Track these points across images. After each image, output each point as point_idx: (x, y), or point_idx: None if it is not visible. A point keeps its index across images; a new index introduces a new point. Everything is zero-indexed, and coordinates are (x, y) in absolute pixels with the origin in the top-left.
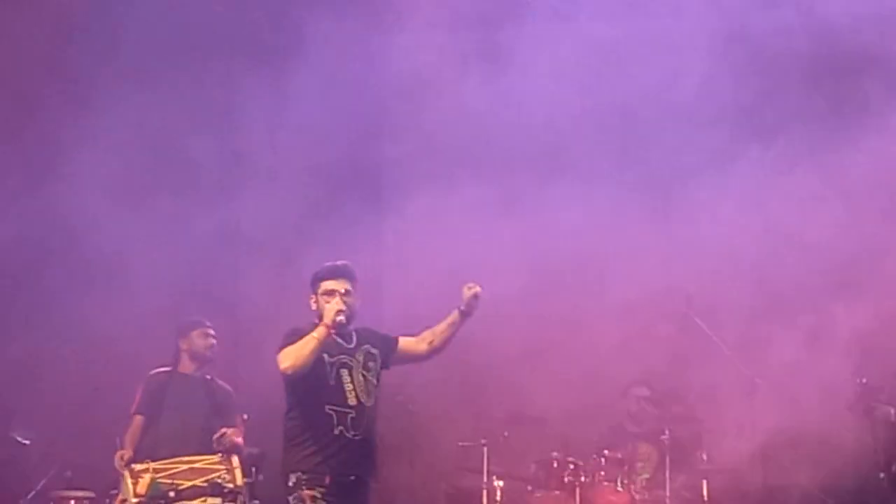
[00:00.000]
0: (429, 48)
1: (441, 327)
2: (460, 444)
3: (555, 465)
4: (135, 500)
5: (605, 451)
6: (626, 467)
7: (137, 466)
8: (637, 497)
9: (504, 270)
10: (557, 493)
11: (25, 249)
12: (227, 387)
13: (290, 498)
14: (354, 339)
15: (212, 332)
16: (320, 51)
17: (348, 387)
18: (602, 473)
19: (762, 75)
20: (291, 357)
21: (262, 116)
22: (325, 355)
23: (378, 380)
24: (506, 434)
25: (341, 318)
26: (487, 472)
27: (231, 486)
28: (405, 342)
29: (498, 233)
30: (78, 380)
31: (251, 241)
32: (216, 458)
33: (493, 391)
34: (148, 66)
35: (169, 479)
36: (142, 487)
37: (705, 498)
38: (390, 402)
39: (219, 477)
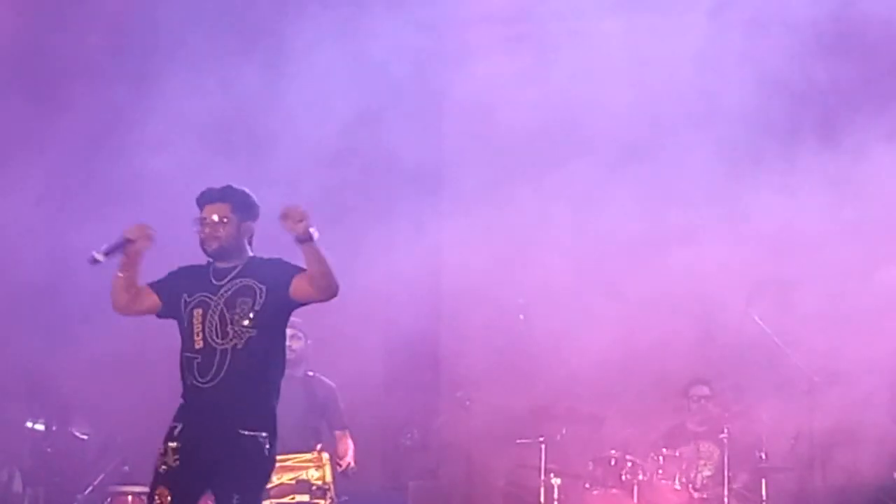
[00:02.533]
0: (484, 43)
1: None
2: (518, 441)
3: (613, 462)
4: None
5: (664, 450)
6: (684, 465)
7: None
8: (696, 495)
9: (563, 268)
10: (615, 491)
11: None
12: (330, 384)
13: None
14: (233, 273)
15: (301, 333)
16: (372, 45)
17: (196, 328)
18: (660, 472)
19: None
20: (111, 294)
21: (317, 110)
22: (185, 295)
23: (258, 318)
24: (564, 431)
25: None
26: (545, 469)
27: (320, 482)
28: (298, 278)
29: (558, 230)
30: (136, 375)
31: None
32: (309, 455)
33: (552, 388)
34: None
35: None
36: None
37: (764, 497)
38: (448, 399)
39: (308, 474)
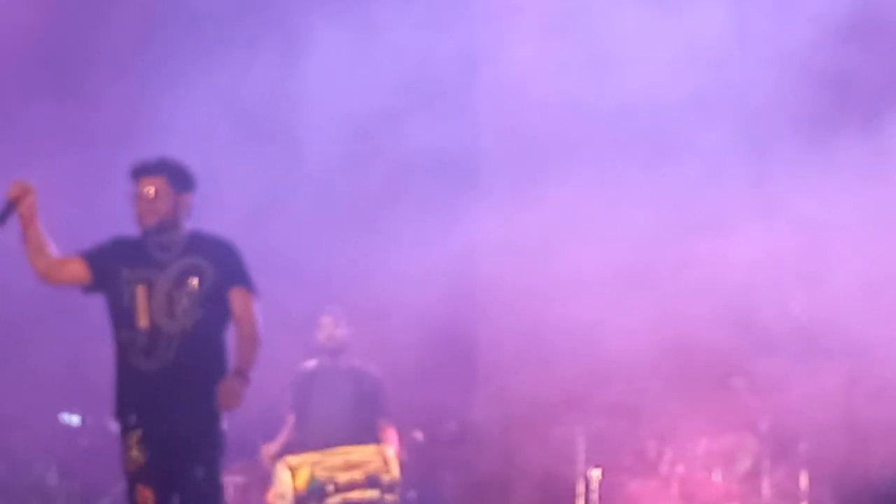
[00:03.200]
0: (520, 35)
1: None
2: (555, 433)
3: (651, 454)
4: (291, 494)
5: (703, 441)
6: (724, 458)
7: (293, 460)
8: (735, 487)
9: (598, 259)
10: (654, 483)
11: None
12: (377, 373)
13: (124, 447)
14: (178, 249)
15: (326, 321)
16: (405, 38)
17: (140, 305)
18: (699, 464)
19: None
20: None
21: (350, 103)
22: (125, 269)
23: (207, 299)
24: (601, 423)
25: None
26: (583, 461)
27: (388, 478)
28: (237, 292)
29: (592, 221)
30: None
31: (345, 226)
32: (371, 449)
33: (589, 380)
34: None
35: (326, 471)
36: (300, 482)
37: (804, 488)
38: (484, 392)
39: (376, 469)
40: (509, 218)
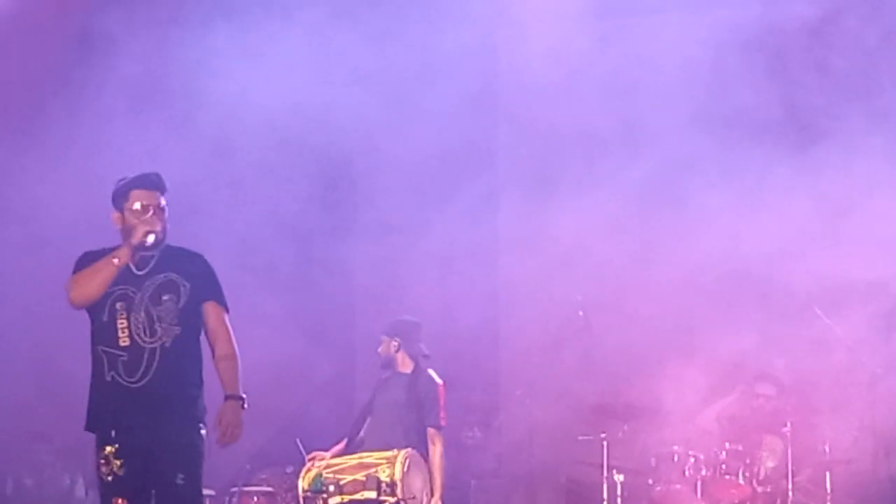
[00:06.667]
0: (546, 35)
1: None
2: (579, 438)
3: (675, 458)
4: (301, 493)
5: (727, 444)
6: (748, 459)
7: (321, 462)
8: (759, 489)
9: (621, 263)
10: (678, 486)
11: None
12: (434, 379)
13: (99, 459)
14: (151, 264)
15: (384, 337)
16: (426, 37)
17: (121, 324)
18: (723, 466)
19: None
20: (81, 284)
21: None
22: None
23: (182, 315)
24: (625, 428)
25: (152, 238)
26: (607, 466)
27: (389, 479)
28: (211, 307)
29: (615, 225)
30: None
31: (369, 232)
32: (389, 453)
33: (612, 385)
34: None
35: (334, 473)
36: (306, 481)
37: (828, 490)
38: (508, 397)
39: (379, 471)
40: (531, 225)
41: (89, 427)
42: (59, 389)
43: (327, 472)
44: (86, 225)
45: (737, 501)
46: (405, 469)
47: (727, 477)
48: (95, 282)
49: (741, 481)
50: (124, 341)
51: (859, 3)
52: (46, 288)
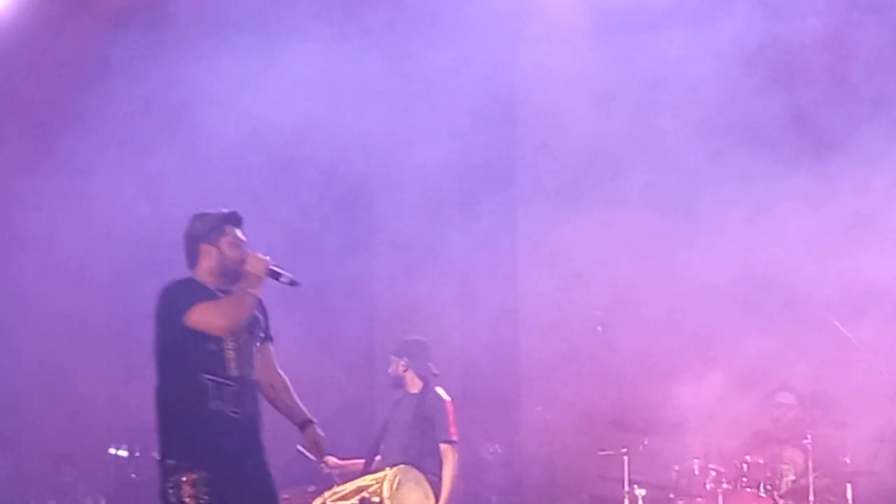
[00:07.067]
0: (562, 52)
1: (283, 403)
2: (600, 452)
3: (696, 472)
4: None
5: (747, 457)
6: (768, 472)
7: (338, 489)
8: (780, 502)
9: (639, 278)
10: (699, 500)
11: None
12: (442, 396)
13: (168, 485)
14: None
15: (392, 357)
16: (443, 53)
17: (229, 354)
18: (744, 479)
19: None
20: (229, 314)
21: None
22: None
23: (259, 352)
24: (646, 442)
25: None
26: (628, 480)
27: (377, 499)
28: (269, 349)
29: (634, 239)
30: None
31: (387, 250)
32: (382, 472)
33: (632, 399)
34: None
35: (337, 501)
36: None
37: (850, 502)
38: (529, 413)
39: (370, 492)
40: (550, 241)
41: (183, 454)
42: (81, 412)
43: (331, 500)
44: (101, 250)
45: None
46: (394, 487)
47: (748, 490)
48: (242, 310)
49: (762, 494)
50: (234, 372)
51: (872, 14)
52: (63, 312)
